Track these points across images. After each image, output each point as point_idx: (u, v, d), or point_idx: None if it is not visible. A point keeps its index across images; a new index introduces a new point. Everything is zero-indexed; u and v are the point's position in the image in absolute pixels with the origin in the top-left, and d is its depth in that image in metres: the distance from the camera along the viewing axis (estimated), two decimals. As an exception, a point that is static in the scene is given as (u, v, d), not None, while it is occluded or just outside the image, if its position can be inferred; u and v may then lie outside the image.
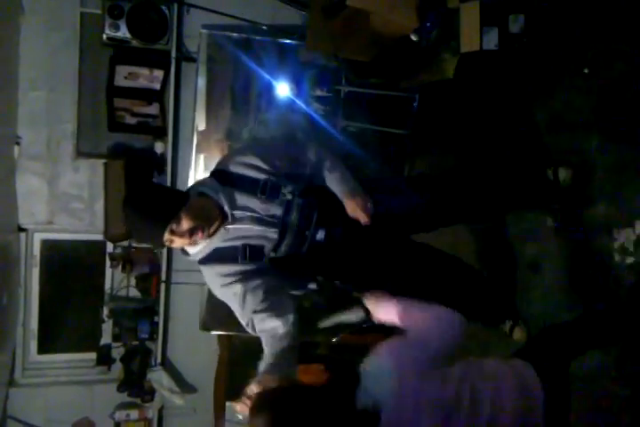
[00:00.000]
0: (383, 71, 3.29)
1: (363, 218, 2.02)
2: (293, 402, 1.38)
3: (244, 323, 2.01)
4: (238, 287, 1.95)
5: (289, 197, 1.96)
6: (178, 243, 1.89)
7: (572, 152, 2.68)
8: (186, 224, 1.84)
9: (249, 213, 1.94)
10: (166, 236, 1.84)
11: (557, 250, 2.72)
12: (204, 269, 2.03)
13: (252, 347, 3.70)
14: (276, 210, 1.96)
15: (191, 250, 2.00)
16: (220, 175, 2.01)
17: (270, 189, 1.95)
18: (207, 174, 3.35)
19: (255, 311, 1.95)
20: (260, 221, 1.95)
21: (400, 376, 1.41)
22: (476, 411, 1.44)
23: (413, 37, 2.94)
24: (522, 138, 2.98)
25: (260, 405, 1.41)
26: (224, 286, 1.98)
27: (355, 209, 2.02)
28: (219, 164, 2.09)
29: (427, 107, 3.43)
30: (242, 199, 1.95)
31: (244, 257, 1.94)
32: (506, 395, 1.48)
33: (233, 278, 1.96)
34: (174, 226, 1.83)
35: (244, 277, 1.96)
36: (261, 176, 1.97)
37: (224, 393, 3.64)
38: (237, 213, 1.94)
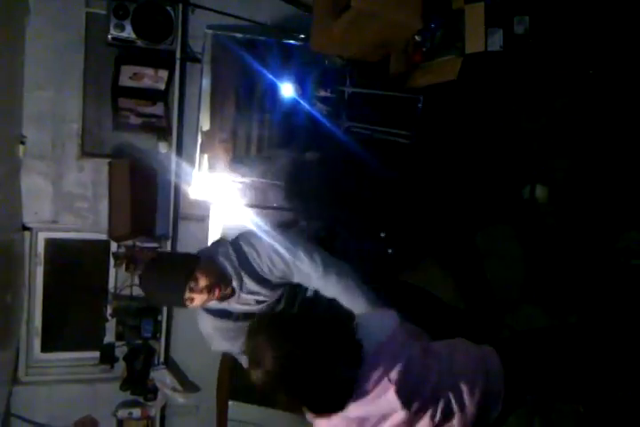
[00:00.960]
0: (387, 72, 3.29)
1: None
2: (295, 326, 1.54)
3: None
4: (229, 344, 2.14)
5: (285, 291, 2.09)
6: (198, 300, 1.97)
7: (568, 155, 2.69)
8: (202, 282, 1.94)
9: (255, 297, 2.06)
10: (187, 294, 1.94)
11: (561, 251, 2.72)
12: (202, 314, 2.13)
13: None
14: (275, 296, 2.09)
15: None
16: (237, 250, 2.07)
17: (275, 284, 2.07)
18: (211, 174, 3.41)
19: None
20: (262, 302, 2.08)
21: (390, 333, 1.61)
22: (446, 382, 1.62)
23: (418, 38, 2.95)
24: (512, 147, 2.99)
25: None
26: (218, 338, 2.14)
27: None
28: (244, 243, 2.10)
29: (431, 108, 3.43)
30: (251, 284, 2.04)
31: (237, 319, 2.08)
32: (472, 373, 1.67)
33: (226, 334, 2.12)
34: (192, 284, 1.93)
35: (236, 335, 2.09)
36: (269, 272, 2.06)
37: (227, 392, 3.64)
38: (245, 296, 2.05)
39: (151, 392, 3.77)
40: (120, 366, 3.79)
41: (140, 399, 3.79)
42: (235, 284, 2.02)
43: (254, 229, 2.14)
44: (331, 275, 2.00)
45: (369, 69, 3.37)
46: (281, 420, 3.54)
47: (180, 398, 3.78)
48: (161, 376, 3.75)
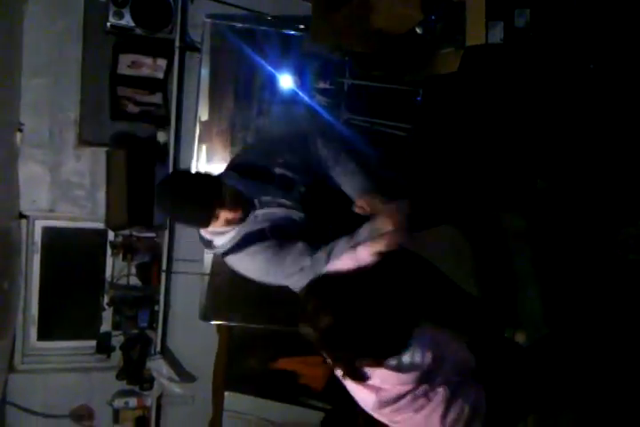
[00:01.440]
0: (387, 64, 3.27)
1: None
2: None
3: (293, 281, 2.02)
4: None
5: (302, 189, 2.02)
6: (222, 217, 1.89)
7: (568, 149, 2.68)
8: (229, 198, 1.88)
9: (272, 199, 1.99)
10: (215, 211, 1.86)
11: (559, 247, 2.72)
12: (232, 259, 2.03)
13: (250, 337, 3.74)
14: (294, 198, 2.01)
15: (218, 240, 2.01)
16: (237, 170, 2.03)
17: (285, 183, 2.01)
18: (209, 165, 3.42)
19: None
20: (283, 205, 2.00)
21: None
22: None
23: (418, 30, 2.93)
24: (511, 141, 2.99)
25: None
26: (257, 262, 2.00)
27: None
28: (232, 160, 2.13)
29: (430, 100, 3.42)
30: (262, 188, 1.99)
31: (272, 236, 1.97)
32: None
33: (264, 254, 1.98)
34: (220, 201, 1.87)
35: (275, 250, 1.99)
36: (275, 171, 2.01)
37: (223, 382, 3.66)
38: (263, 198, 1.98)
39: (147, 382, 3.78)
40: (116, 356, 3.80)
41: (136, 389, 3.80)
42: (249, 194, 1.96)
43: None
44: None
45: (369, 61, 3.36)
46: (276, 410, 3.57)
47: (176, 388, 3.79)
48: (157, 366, 3.75)
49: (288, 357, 3.60)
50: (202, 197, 1.85)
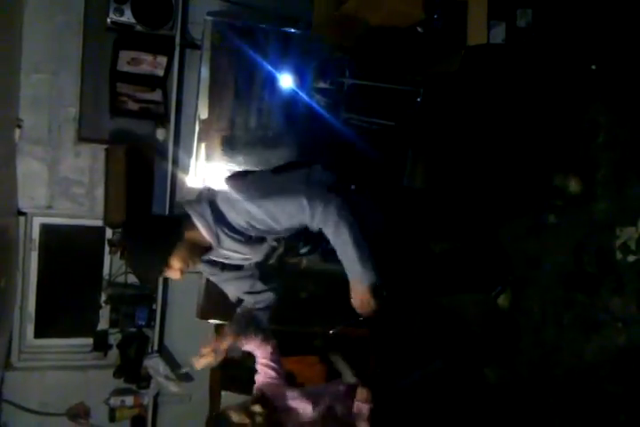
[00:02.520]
0: (388, 63, 3.27)
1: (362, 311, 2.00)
2: None
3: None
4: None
5: (273, 243, 2.02)
6: (172, 275, 1.98)
7: (576, 152, 2.67)
8: (178, 263, 1.93)
9: (235, 255, 2.05)
10: (163, 273, 1.96)
11: (559, 246, 2.72)
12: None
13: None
14: (258, 255, 2.06)
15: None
16: (215, 210, 1.96)
17: (255, 239, 1.99)
18: (208, 164, 3.40)
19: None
20: (246, 259, 2.09)
21: None
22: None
23: (419, 29, 2.93)
24: (511, 141, 2.98)
25: None
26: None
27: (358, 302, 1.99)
28: (219, 198, 1.98)
29: (430, 100, 3.41)
30: (228, 243, 1.97)
31: (222, 269, 2.16)
32: None
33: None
34: (168, 265, 1.93)
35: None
36: (250, 227, 1.95)
37: (220, 381, 3.65)
38: (223, 251, 2.02)
39: (144, 380, 3.77)
40: (113, 354, 3.79)
41: (133, 387, 3.79)
42: (211, 241, 1.94)
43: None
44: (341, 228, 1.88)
45: (369, 60, 3.35)
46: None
47: (172, 387, 3.77)
48: (154, 364, 3.74)
49: (285, 356, 3.59)
50: (148, 265, 1.91)
